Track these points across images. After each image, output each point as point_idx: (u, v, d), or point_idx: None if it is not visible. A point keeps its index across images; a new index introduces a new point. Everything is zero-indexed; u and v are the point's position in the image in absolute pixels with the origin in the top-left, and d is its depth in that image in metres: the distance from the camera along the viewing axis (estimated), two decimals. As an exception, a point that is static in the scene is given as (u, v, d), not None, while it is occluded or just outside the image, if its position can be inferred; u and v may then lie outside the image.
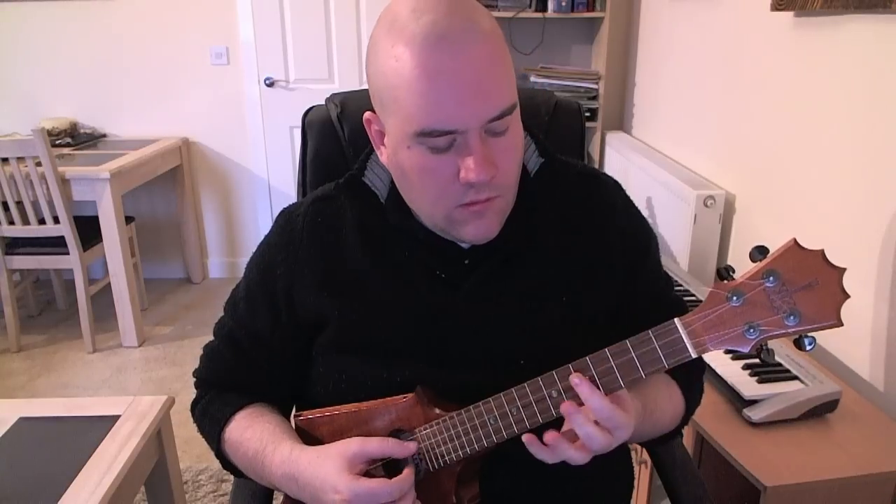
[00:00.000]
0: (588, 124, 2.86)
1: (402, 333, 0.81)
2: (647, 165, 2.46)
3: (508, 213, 0.78)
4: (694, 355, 0.65)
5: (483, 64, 0.67)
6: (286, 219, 0.88)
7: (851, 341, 1.45)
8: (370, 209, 0.83)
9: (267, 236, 0.89)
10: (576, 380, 0.68)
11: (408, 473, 0.74)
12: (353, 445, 0.75)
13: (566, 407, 0.68)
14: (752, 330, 0.63)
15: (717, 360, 1.35)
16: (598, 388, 0.68)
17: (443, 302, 0.80)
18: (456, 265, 0.81)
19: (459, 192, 0.72)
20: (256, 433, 0.83)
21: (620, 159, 2.80)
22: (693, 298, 1.67)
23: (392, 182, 0.83)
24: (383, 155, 0.78)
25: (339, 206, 0.86)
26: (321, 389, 0.85)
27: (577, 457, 0.69)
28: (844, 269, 0.62)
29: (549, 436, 0.69)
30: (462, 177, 0.70)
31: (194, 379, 0.94)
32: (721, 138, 2.10)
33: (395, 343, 0.81)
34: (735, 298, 0.63)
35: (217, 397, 0.90)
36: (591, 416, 0.68)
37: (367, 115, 0.78)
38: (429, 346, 0.80)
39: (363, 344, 0.82)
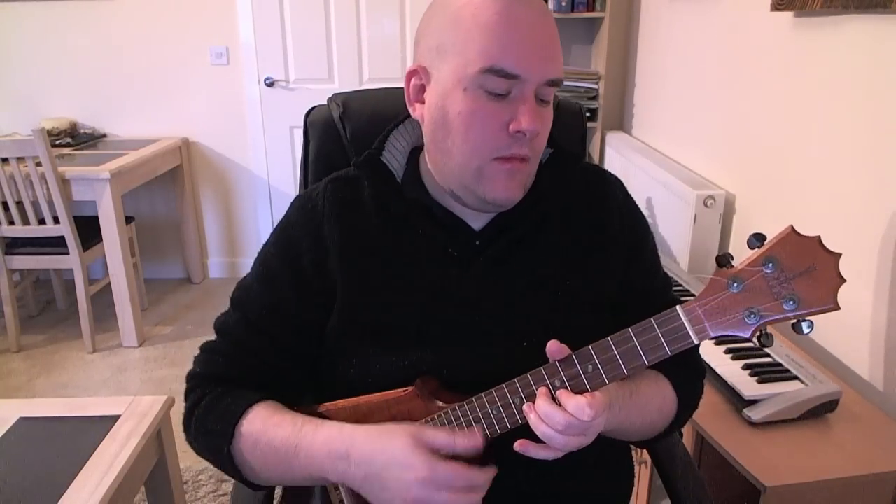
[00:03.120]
0: (588, 124, 2.85)
1: (413, 311, 0.82)
2: (647, 165, 2.46)
3: (530, 185, 0.81)
4: (696, 341, 0.67)
5: (552, 31, 0.74)
6: (303, 201, 0.88)
7: (851, 341, 1.45)
8: (387, 187, 0.85)
9: (283, 221, 0.88)
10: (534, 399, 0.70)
11: (490, 470, 0.72)
12: (424, 432, 0.72)
13: (525, 409, 0.70)
14: (752, 315, 0.65)
15: (718, 360, 1.35)
16: (560, 398, 0.69)
17: (453, 279, 0.82)
18: (467, 244, 0.83)
19: (503, 141, 0.74)
20: (287, 419, 0.78)
21: (620, 159, 2.80)
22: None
23: (409, 161, 0.86)
24: (417, 111, 0.81)
25: (358, 185, 0.87)
26: (329, 377, 0.84)
27: (546, 455, 0.70)
28: (840, 255, 0.63)
29: (518, 444, 0.71)
30: (512, 126, 0.73)
31: (187, 384, 0.86)
32: (721, 138, 2.10)
33: (406, 321, 0.81)
34: (735, 285, 0.65)
35: (228, 392, 0.83)
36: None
37: (411, 67, 0.80)
38: (437, 325, 0.81)
39: (374, 324, 0.82)
